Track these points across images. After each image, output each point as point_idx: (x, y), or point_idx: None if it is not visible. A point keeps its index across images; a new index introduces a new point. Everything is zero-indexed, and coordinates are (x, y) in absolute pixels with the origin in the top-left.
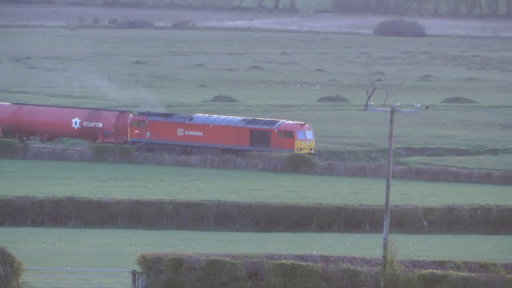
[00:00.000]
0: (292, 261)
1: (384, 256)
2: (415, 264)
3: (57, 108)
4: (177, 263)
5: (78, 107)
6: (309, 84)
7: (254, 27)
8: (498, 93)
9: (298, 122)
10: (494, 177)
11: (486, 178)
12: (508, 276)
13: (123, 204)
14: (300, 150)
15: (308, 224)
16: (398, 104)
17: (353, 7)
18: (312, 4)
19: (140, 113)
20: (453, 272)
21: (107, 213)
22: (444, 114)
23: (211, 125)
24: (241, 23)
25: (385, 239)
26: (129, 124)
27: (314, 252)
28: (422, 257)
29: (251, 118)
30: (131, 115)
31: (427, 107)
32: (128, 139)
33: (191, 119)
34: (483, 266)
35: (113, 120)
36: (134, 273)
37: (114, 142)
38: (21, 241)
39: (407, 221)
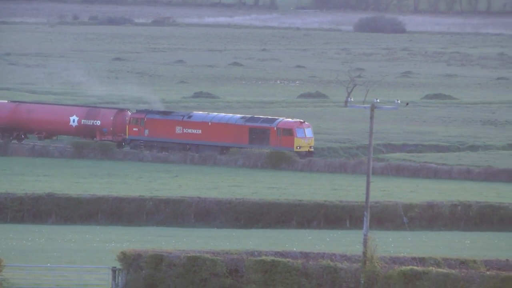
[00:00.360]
0: (272, 258)
1: (364, 253)
2: (395, 260)
3: (55, 106)
4: (157, 260)
5: (76, 105)
6: (289, 80)
7: (234, 24)
8: (478, 90)
9: (298, 120)
10: (474, 174)
11: (466, 175)
12: (488, 272)
13: (103, 201)
14: (299, 148)
15: (288, 220)
16: (378, 100)
17: (333, 3)
18: (292, 0)
19: (138, 111)
20: (433, 268)
21: (87, 209)
22: (424, 111)
23: (210, 123)
24: (221, 19)
25: (365, 235)
26: (127, 122)
27: (294, 249)
28: (402, 254)
29: (250, 116)
30: (129, 113)
31: (407, 104)
32: (126, 137)
33: (189, 116)
34: (463, 263)
35: (111, 118)
36: (114, 270)
37: (113, 140)
38: (1, 238)
39: (387, 218)
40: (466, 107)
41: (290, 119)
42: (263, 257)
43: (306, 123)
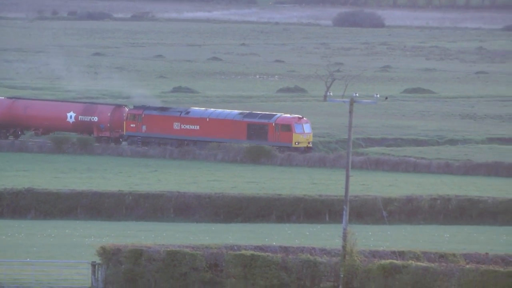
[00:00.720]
0: (252, 252)
1: (344, 247)
2: (374, 254)
3: (52, 102)
4: (137, 254)
5: (73, 101)
6: (268, 75)
7: (213, 19)
8: (457, 84)
9: (296, 115)
10: (453, 168)
11: (445, 169)
12: (467, 266)
13: (82, 196)
14: (298, 144)
15: (267, 215)
16: (357, 94)
17: None
18: None
19: (135, 107)
20: (413, 262)
21: (66, 204)
22: (403, 105)
23: (207, 119)
24: (200, 14)
25: (344, 229)
26: (124, 118)
27: (274, 243)
28: (382, 248)
29: (248, 111)
30: (127, 109)
31: (386, 98)
32: (124, 133)
33: (187, 112)
34: (442, 256)
35: (109, 114)
36: (93, 264)
37: (110, 136)
38: None
39: (367, 212)
40: (445, 101)
41: (288, 115)
42: (243, 251)
43: (304, 118)
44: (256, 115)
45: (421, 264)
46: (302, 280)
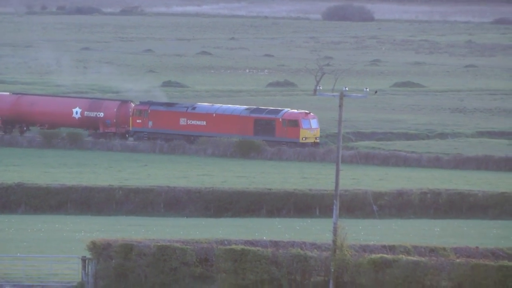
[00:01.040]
0: (242, 247)
1: (334, 241)
2: (365, 248)
3: (58, 98)
4: (127, 249)
5: (79, 96)
6: (258, 69)
7: (203, 13)
8: (446, 77)
9: (303, 110)
10: (443, 161)
11: (435, 162)
12: (457, 260)
13: (72, 190)
14: (305, 139)
15: (258, 209)
16: (347, 88)
17: None
18: None
19: (142, 103)
20: (403, 256)
21: (56, 199)
22: (393, 99)
23: (214, 114)
24: (190, 8)
25: (335, 223)
26: (130, 113)
27: (264, 237)
28: (372, 242)
29: (255, 107)
30: (133, 105)
31: (376, 92)
32: (130, 129)
33: (194, 108)
34: (432, 250)
35: (115, 109)
36: (84, 259)
37: (116, 132)
38: None
39: (357, 206)
40: (434, 95)
41: (295, 110)
42: (233, 246)
43: (311, 114)
44: (263, 111)
45: (412, 258)
46: (293, 275)
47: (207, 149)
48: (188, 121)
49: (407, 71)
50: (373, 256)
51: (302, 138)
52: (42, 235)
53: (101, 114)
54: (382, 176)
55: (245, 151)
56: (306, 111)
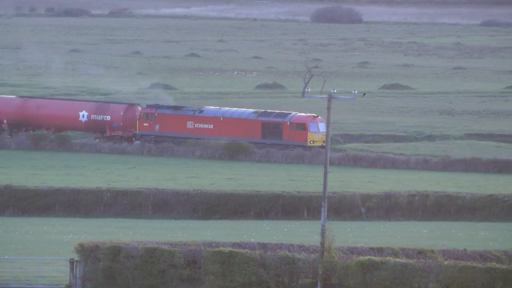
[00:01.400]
0: (230, 249)
1: (322, 243)
2: (353, 250)
3: (64, 101)
4: (115, 251)
5: (85, 100)
6: (246, 71)
7: (191, 15)
8: (435, 80)
9: (311, 114)
10: (431, 163)
11: (423, 165)
12: (445, 262)
13: (60, 193)
14: (313, 143)
15: (246, 211)
16: (335, 91)
17: None
18: None
19: (149, 106)
20: (391, 258)
21: (44, 201)
22: (381, 101)
23: (221, 118)
24: (178, 10)
25: (323, 226)
26: (137, 117)
27: (252, 240)
28: (360, 244)
29: (263, 110)
30: (140, 108)
31: (364, 94)
32: (137, 132)
33: (201, 111)
34: (420, 253)
35: (122, 113)
36: (72, 261)
37: (123, 135)
38: None
39: (345, 208)
40: (423, 97)
41: (303, 114)
42: (221, 248)
43: (319, 117)
44: (270, 114)
45: (400, 260)
46: (281, 277)
47: (196, 151)
48: (195, 124)
49: (396, 73)
50: (361, 258)
51: (310, 141)
52: (30, 237)
53: (108, 118)
54: (370, 178)
55: (233, 153)
56: (314, 115)
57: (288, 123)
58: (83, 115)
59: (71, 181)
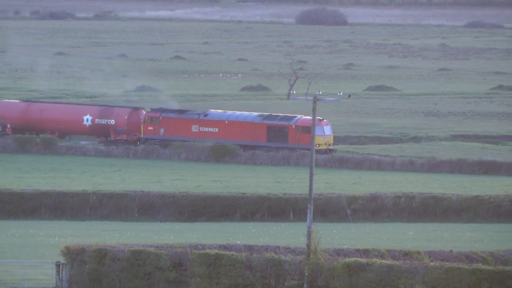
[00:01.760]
0: (216, 251)
1: (308, 245)
2: (339, 252)
3: (68, 105)
4: (101, 254)
5: (89, 104)
6: (232, 73)
7: (176, 17)
8: (420, 81)
9: (317, 117)
10: (417, 165)
11: (409, 166)
12: (431, 263)
13: (46, 195)
14: (318, 146)
15: (232, 213)
16: (320, 92)
17: None
18: None
19: (153, 110)
20: (377, 260)
21: (30, 204)
22: (366, 102)
23: (227, 121)
24: (163, 13)
25: (309, 227)
26: (142, 121)
27: (238, 242)
28: (346, 246)
29: (268, 113)
30: (144, 112)
31: (349, 96)
32: (141, 136)
33: (206, 115)
34: (406, 254)
35: (126, 117)
36: (58, 264)
37: (127, 139)
38: None
39: (331, 210)
40: (408, 99)
41: (308, 117)
42: (207, 251)
43: (325, 120)
44: (276, 117)
45: (386, 262)
46: (267, 279)
47: (181, 153)
48: (200, 128)
49: (381, 75)
50: (347, 260)
51: (316, 145)
52: (16, 240)
53: (112, 122)
54: (356, 180)
55: (219, 155)
56: (319, 118)
57: (294, 126)
58: (87, 119)
59: (57, 184)
